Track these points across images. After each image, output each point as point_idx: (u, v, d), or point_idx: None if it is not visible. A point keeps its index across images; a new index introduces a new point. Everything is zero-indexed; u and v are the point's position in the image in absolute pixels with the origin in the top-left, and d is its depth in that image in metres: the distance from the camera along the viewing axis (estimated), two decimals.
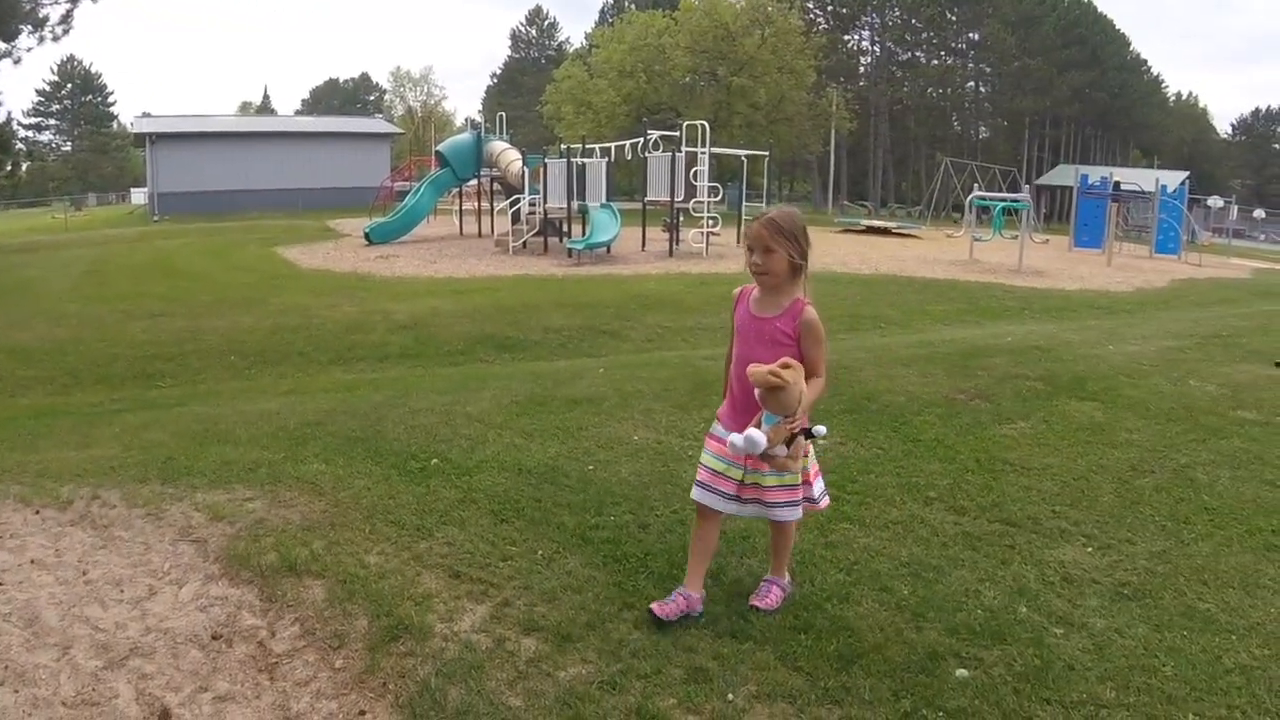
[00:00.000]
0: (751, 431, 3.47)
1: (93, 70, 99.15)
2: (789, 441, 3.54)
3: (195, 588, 4.18)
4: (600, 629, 3.62)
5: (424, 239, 26.52)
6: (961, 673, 3.33)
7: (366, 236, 25.86)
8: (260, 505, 5.00)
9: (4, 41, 29.26)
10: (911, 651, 3.47)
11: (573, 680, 3.30)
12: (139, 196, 70.76)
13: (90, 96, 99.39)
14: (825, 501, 4.02)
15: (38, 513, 5.28)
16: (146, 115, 57.91)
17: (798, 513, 3.79)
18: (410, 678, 3.35)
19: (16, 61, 30.40)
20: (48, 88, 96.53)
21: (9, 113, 33.49)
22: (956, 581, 4.05)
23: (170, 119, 55.08)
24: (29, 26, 28.91)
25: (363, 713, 3.20)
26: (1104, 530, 4.65)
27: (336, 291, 15.78)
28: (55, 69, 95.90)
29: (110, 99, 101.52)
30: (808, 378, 3.60)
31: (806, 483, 3.83)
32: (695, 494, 3.84)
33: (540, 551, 4.33)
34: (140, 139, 54.89)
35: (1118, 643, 3.57)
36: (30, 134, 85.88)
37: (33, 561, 4.61)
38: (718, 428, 3.87)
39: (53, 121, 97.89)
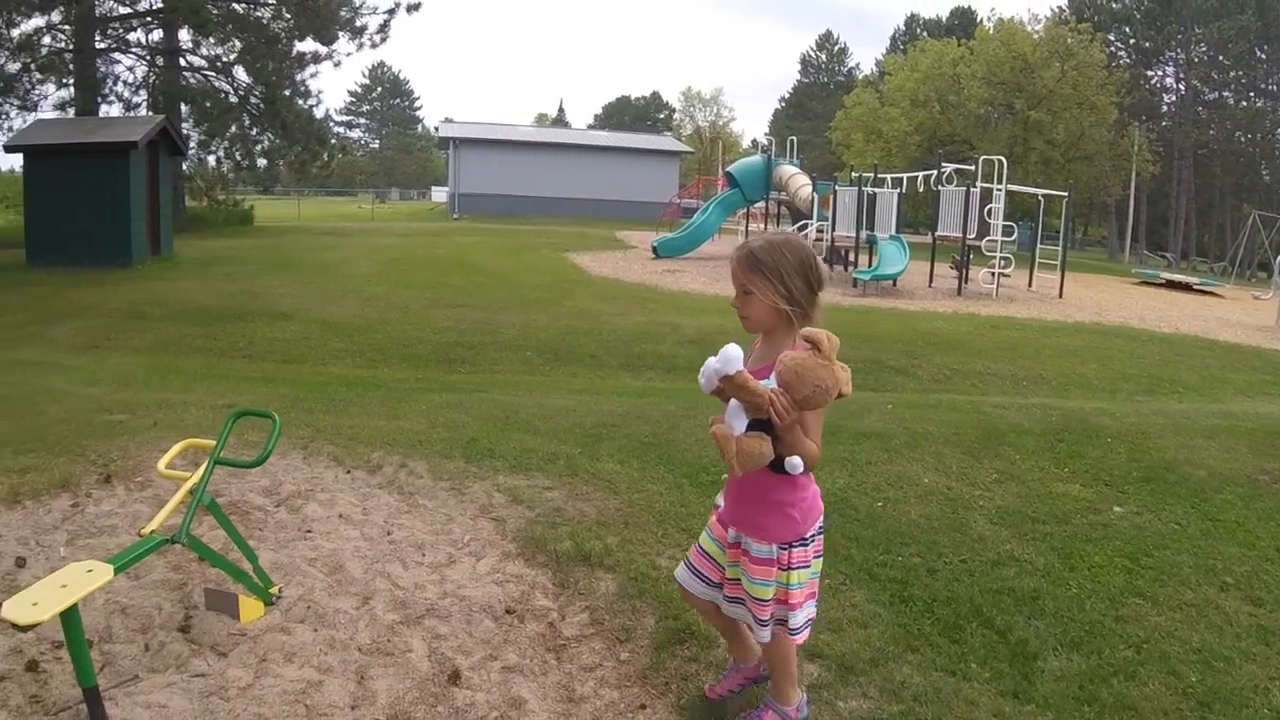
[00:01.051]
0: (729, 347, 2.70)
1: (401, 76, 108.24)
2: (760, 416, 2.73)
3: (492, 562, 4.47)
4: (883, 666, 3.62)
5: (708, 257, 26.91)
6: None
7: (654, 250, 26.53)
8: (558, 495, 5.28)
9: (324, 45, 31.79)
10: None
11: (852, 712, 3.32)
12: (439, 195, 75.55)
13: (398, 100, 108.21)
14: (802, 636, 3.11)
15: (349, 472, 5.80)
16: (449, 120, 61.59)
17: (766, 634, 3.05)
18: (693, 681, 3.46)
19: (336, 64, 33.24)
20: (359, 89, 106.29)
21: (326, 109, 36.70)
22: (1246, 675, 3.82)
23: (473, 125, 58.30)
24: (347, 33, 31.30)
25: (643, 706, 3.33)
26: None
27: (625, 300, 16.25)
28: (366, 73, 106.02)
29: (416, 103, 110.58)
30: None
31: (782, 602, 3.02)
32: (677, 572, 3.36)
33: (827, 580, 4.32)
34: (445, 142, 58.65)
35: None
36: (342, 130, 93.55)
37: (341, 516, 5.06)
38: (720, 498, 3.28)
39: (362, 120, 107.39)
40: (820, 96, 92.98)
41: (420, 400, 8.03)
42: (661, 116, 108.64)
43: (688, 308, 15.43)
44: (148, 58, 32.35)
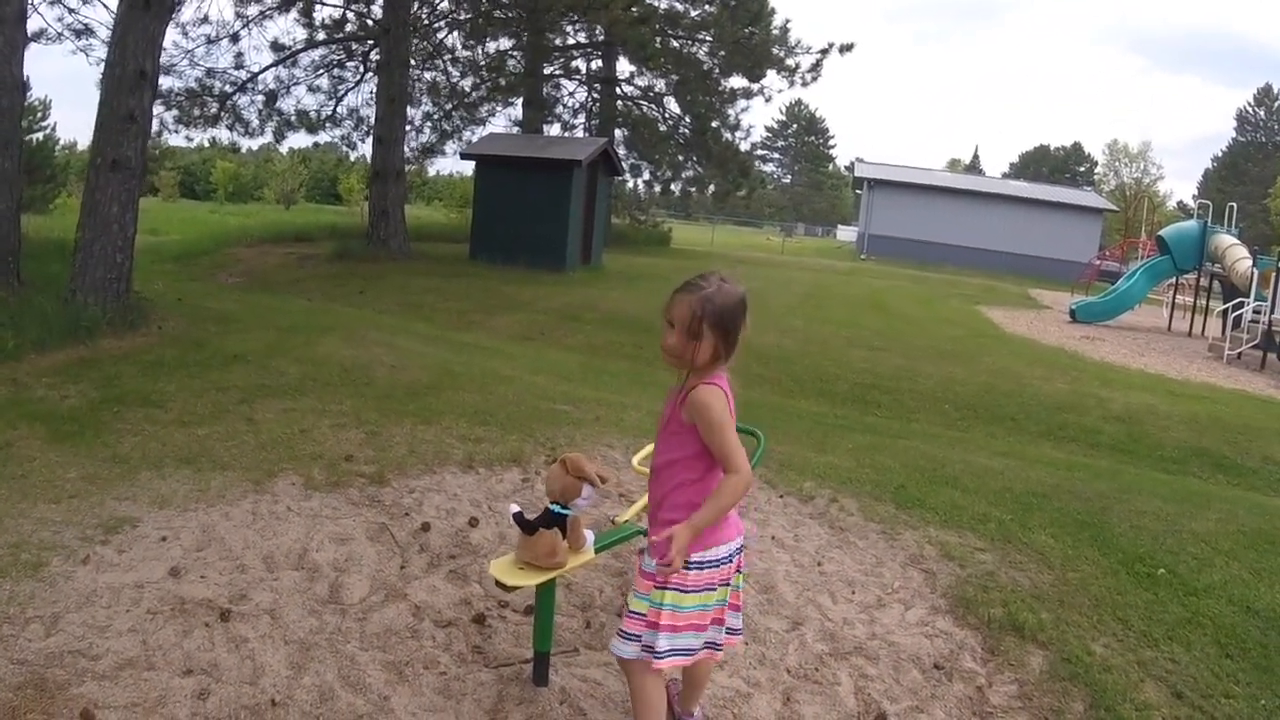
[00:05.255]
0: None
1: (817, 114, 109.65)
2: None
3: (921, 614, 4.44)
4: None
5: (1129, 327, 25.33)
6: None
7: (1071, 313, 25.43)
8: (990, 558, 5.15)
9: (752, 82, 33.06)
10: None
11: None
12: (845, 234, 76.07)
13: (812, 138, 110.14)
14: (669, 661, 2.98)
15: (781, 497, 6.00)
16: (860, 161, 61.29)
17: (625, 649, 3.00)
18: None
19: (768, 100, 34.52)
20: (775, 125, 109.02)
21: (751, 143, 38.17)
22: None
23: (887, 167, 57.70)
24: (778, 71, 32.35)
25: None
26: None
27: (1045, 364, 15.62)
28: (783, 109, 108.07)
29: (830, 142, 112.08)
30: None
31: (652, 625, 2.96)
32: None
33: (1263, 701, 3.97)
34: (858, 182, 58.73)
35: None
36: (756, 164, 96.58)
37: (774, 539, 5.24)
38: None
39: (776, 155, 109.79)
40: (1258, 158, 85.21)
41: (844, 438, 8.08)
42: (1082, 170, 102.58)
43: (1112, 380, 14.53)
44: (587, 84, 35.47)
